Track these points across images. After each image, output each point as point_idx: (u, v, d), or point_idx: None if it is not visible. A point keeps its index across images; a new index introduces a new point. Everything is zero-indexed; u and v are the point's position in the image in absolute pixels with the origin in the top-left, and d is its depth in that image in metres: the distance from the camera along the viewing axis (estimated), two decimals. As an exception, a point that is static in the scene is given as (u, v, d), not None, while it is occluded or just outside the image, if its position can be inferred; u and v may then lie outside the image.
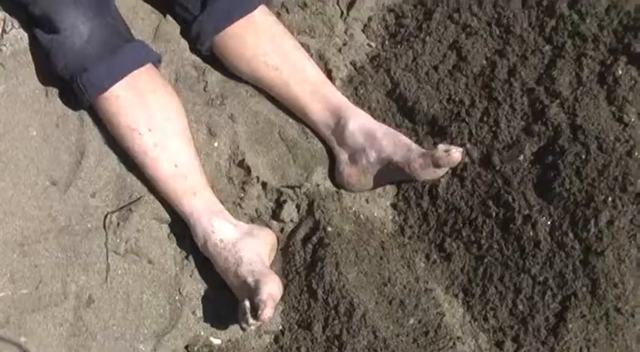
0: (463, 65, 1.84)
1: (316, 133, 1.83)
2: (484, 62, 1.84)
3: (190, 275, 1.74)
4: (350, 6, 2.03)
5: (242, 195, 1.81)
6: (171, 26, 1.96)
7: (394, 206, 1.81)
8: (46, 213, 1.76)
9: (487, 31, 1.88)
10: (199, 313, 1.73)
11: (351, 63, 1.93)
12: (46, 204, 1.76)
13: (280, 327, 1.71)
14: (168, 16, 1.97)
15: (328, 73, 1.89)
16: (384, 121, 1.83)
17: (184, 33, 1.95)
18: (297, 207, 1.78)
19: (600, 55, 1.78)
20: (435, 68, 1.86)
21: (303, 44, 1.89)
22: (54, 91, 1.86)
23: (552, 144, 1.70)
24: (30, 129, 1.82)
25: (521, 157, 1.71)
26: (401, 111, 1.85)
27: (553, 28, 1.85)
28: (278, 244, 1.76)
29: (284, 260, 1.75)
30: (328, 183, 1.83)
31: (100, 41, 1.76)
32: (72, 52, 1.76)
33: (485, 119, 1.77)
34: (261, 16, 1.85)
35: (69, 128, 1.83)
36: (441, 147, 1.68)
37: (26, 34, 1.92)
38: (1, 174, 1.76)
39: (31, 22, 1.86)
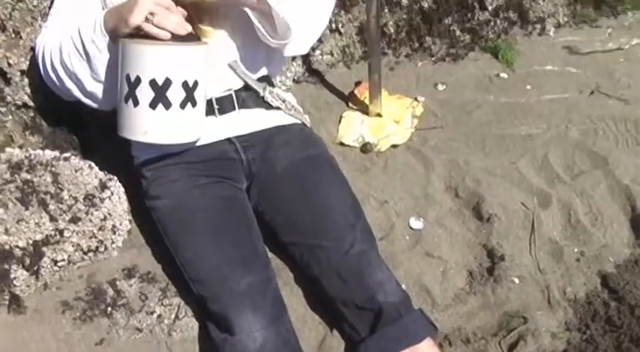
0: None
1: None
2: None
3: None
4: (511, 347, 2.03)
5: None
6: (337, 341, 2.03)
7: None
8: None
9: None
10: None
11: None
12: None
13: None
14: (335, 331, 2.04)
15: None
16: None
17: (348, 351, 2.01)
18: None
19: None
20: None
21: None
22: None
23: None
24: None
25: None
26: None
27: None
28: None
29: None
30: None
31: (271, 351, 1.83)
32: (243, 355, 1.83)
33: None
34: (425, 347, 1.88)
35: None
36: None
37: (197, 324, 2.02)
38: None
39: (206, 315, 1.95)
